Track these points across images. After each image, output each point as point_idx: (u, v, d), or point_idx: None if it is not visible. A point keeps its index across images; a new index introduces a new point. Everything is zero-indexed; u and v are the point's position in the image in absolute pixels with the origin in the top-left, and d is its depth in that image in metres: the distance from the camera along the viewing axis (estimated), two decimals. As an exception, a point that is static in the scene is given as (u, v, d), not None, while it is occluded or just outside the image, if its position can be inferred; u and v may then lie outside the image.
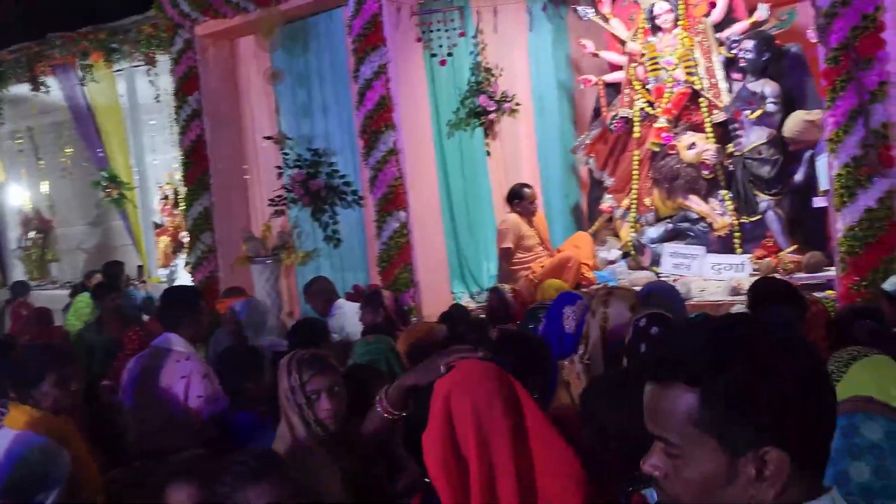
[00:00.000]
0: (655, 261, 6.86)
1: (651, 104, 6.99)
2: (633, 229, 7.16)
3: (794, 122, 6.01)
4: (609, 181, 7.47)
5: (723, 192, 6.70)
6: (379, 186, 6.39)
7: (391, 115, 6.28)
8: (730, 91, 6.68)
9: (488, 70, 7.57)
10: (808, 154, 6.32)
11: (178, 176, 11.01)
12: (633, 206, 7.19)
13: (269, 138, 7.42)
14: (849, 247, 4.45)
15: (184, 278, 9.39)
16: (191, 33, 7.45)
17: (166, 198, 11.62)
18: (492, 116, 7.61)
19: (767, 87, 6.36)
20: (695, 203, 6.79)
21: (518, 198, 6.77)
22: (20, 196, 13.10)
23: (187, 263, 9.21)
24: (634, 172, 7.17)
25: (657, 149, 6.91)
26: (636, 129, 7.10)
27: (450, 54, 6.38)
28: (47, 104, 10.48)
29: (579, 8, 7.27)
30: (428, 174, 6.62)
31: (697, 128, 6.78)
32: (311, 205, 7.22)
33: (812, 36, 6.65)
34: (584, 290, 5.74)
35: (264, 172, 7.82)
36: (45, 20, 9.88)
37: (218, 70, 7.63)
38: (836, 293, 4.84)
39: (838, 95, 4.37)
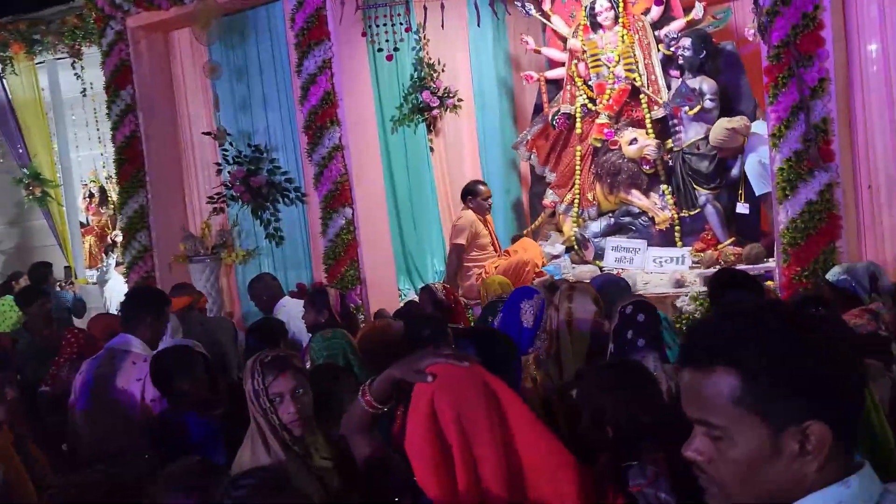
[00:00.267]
0: (599, 255, 6.96)
1: (592, 100, 7.08)
2: (575, 224, 7.25)
3: (718, 131, 6.17)
4: (551, 177, 7.54)
5: (663, 186, 6.85)
6: (324, 183, 6.29)
7: (336, 111, 6.19)
8: (668, 88, 6.83)
9: (430, 66, 7.55)
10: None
11: (105, 173, 10.66)
12: (576, 200, 7.28)
13: (207, 133, 7.21)
14: (791, 238, 4.60)
15: (116, 279, 9.06)
16: (122, 25, 7.17)
17: (91, 196, 11.17)
18: (435, 112, 7.60)
19: (705, 84, 6.53)
20: (636, 197, 6.92)
21: (473, 194, 6.77)
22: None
23: (119, 263, 8.91)
24: (577, 168, 7.26)
25: (599, 144, 7.02)
26: (578, 124, 7.19)
27: (396, 49, 6.32)
28: (-37, 98, 9.93)
29: (521, 5, 7.31)
30: (374, 170, 6.55)
31: (638, 124, 6.91)
32: (252, 202, 7.07)
33: (750, 34, 6.89)
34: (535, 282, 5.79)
35: (202, 169, 7.60)
36: (-40, 9, 9.37)
37: (152, 63, 7.37)
38: (776, 283, 5.01)
39: (780, 92, 4.51)
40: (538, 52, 7.55)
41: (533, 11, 7.31)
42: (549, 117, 7.29)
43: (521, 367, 3.08)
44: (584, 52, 7.04)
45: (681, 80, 6.66)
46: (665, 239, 6.80)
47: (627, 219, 7.03)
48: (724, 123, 6.15)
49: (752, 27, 6.89)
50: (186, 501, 2.00)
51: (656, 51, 6.87)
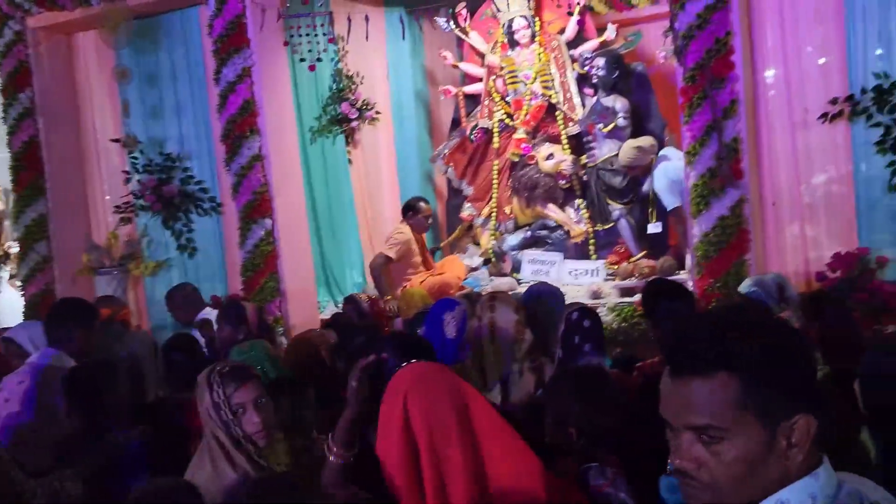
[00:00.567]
0: (516, 267, 7.09)
1: (510, 116, 7.23)
2: (493, 237, 7.37)
3: (626, 151, 6.41)
4: (468, 190, 7.64)
5: (578, 201, 7.05)
6: (243, 193, 6.14)
7: (256, 120, 6.07)
8: (583, 106, 7.05)
9: (349, 78, 7.52)
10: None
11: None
12: (494, 214, 7.39)
13: (116, 140, 6.92)
14: (704, 251, 4.82)
15: (6, 292, 8.55)
16: (22, 25, 6.81)
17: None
18: (354, 124, 7.56)
19: (618, 103, 6.78)
20: (553, 211, 7.10)
21: (414, 210, 6.76)
22: None
23: (13, 276, 8.42)
24: (494, 182, 7.38)
25: (517, 159, 7.16)
26: (496, 139, 7.32)
27: (319, 59, 6.26)
28: None
29: (440, 20, 7.40)
30: (294, 181, 6.45)
31: (554, 140, 7.09)
32: (164, 212, 6.83)
33: (662, 57, 7.20)
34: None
35: (108, 177, 7.28)
36: None
37: (54, 66, 7.00)
38: (689, 294, 5.23)
39: (695, 111, 4.74)
40: (456, 66, 7.66)
41: (452, 27, 7.41)
42: (468, 131, 7.39)
43: None
44: (502, 68, 7.19)
45: (595, 98, 6.89)
46: (580, 252, 6.99)
47: (544, 232, 7.20)
48: (631, 143, 6.40)
49: (663, 50, 7.25)
50: None
51: (571, 69, 7.09)
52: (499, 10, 7.09)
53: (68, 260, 6.96)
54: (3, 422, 3.01)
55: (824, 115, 4.67)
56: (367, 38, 6.35)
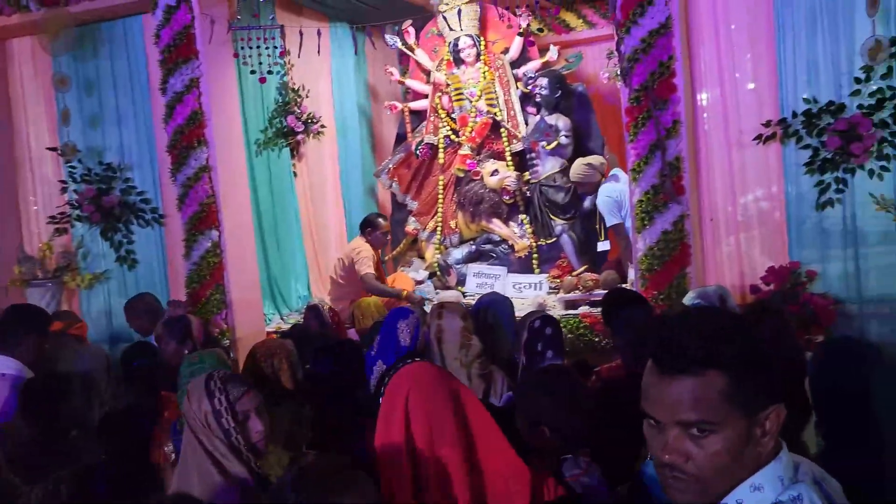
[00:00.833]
0: (461, 281, 7.21)
1: (455, 132, 7.37)
2: (438, 251, 7.47)
3: (577, 168, 6.62)
4: (412, 204, 7.74)
5: (522, 216, 7.24)
6: (189, 204, 6.06)
7: (203, 131, 6.00)
8: (526, 123, 7.25)
9: (295, 91, 7.53)
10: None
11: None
12: (439, 228, 7.51)
13: (53, 149, 6.72)
14: (648, 264, 5.02)
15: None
16: (-46, 28, 6.58)
17: None
18: (299, 137, 7.56)
19: (560, 122, 7.00)
20: (497, 226, 7.25)
21: (373, 227, 6.77)
22: None
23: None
24: (440, 196, 7.50)
25: (462, 174, 7.30)
26: (441, 155, 7.44)
27: (270, 72, 6.25)
28: None
29: (387, 37, 7.50)
30: (241, 192, 6.40)
31: (498, 156, 7.27)
32: (103, 223, 6.67)
33: (605, 78, 7.46)
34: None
35: (41, 186, 7.06)
36: None
37: (-13, 71, 6.80)
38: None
39: (640, 131, 4.95)
40: (402, 83, 7.76)
41: (398, 44, 7.51)
42: (413, 147, 7.49)
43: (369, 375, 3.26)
44: (448, 85, 7.33)
45: (539, 116, 7.09)
46: (523, 266, 7.16)
47: (488, 246, 7.34)
48: (582, 161, 6.60)
49: (606, 71, 7.53)
50: None
51: (515, 88, 7.29)
52: (451, 29, 7.22)
53: (1, 271, 6.71)
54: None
55: (758, 137, 4.93)
56: (318, 52, 6.38)
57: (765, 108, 4.96)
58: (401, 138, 7.86)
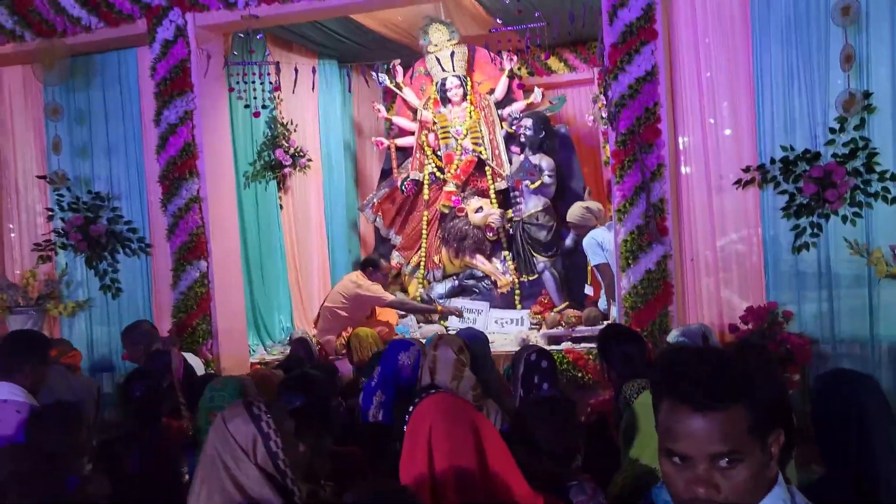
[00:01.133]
0: (443, 315, 7.30)
1: (441, 169, 7.52)
2: (421, 285, 7.57)
3: (576, 210, 6.74)
4: (396, 239, 7.85)
5: (505, 253, 7.38)
6: (178, 234, 6.12)
7: (196, 163, 6.09)
8: (510, 162, 7.43)
9: (284, 125, 7.64)
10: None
11: None
12: (422, 263, 7.62)
13: (42, 177, 6.75)
14: (632, 302, 5.18)
15: None
16: (-53, 56, 6.63)
17: None
18: (286, 171, 7.66)
19: (544, 162, 7.19)
20: (480, 262, 7.38)
21: (375, 267, 6.87)
22: None
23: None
24: (424, 231, 7.62)
25: (447, 210, 7.44)
26: (426, 191, 7.58)
27: (264, 106, 6.37)
28: None
29: (375, 74, 7.68)
30: (230, 224, 6.47)
31: (482, 194, 7.42)
32: (89, 251, 6.68)
33: (590, 120, 7.67)
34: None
35: (24, 213, 7.07)
36: None
37: (-24, 99, 6.83)
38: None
39: (626, 173, 5.13)
40: (389, 119, 7.92)
41: (387, 82, 7.69)
42: (399, 182, 7.62)
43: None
44: (435, 123, 7.50)
45: (523, 156, 7.28)
46: (506, 301, 7.29)
47: (471, 282, 7.46)
48: (581, 204, 6.76)
49: (591, 114, 7.77)
50: None
51: (500, 128, 7.48)
52: (443, 70, 7.39)
53: (-19, 298, 6.67)
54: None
55: (738, 182, 5.15)
56: (312, 88, 6.51)
57: (744, 154, 5.18)
58: (386, 174, 7.99)
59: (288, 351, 6.10)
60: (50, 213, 6.81)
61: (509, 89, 7.58)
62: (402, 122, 7.85)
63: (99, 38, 6.43)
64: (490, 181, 7.41)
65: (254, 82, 6.18)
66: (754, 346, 3.70)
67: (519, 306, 7.22)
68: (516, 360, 3.48)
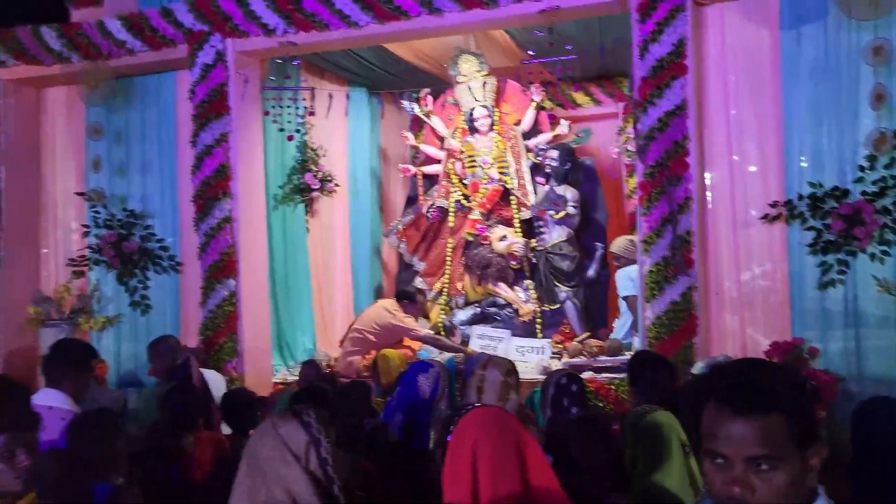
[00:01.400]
0: (464, 341, 7.34)
1: (466, 197, 7.61)
2: (443, 311, 7.63)
3: (621, 242, 6.86)
4: (419, 265, 7.93)
5: (527, 281, 7.43)
6: (210, 253, 6.24)
7: (229, 184, 6.24)
8: (535, 192, 7.52)
9: (314, 150, 7.78)
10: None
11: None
12: (445, 289, 7.68)
13: (80, 194, 6.92)
14: (657, 333, 5.21)
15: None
16: (-5, 75, 6.87)
17: None
18: (314, 195, 7.78)
19: (569, 192, 7.27)
20: (503, 290, 7.44)
21: (411, 299, 6.98)
22: None
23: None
24: (448, 258, 7.70)
25: (471, 238, 7.52)
26: (451, 218, 7.67)
27: (298, 131, 6.52)
28: None
29: (405, 103, 7.83)
30: (259, 245, 6.59)
31: (507, 222, 7.50)
32: (121, 267, 6.82)
33: (615, 153, 7.76)
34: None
35: (61, 229, 7.23)
36: None
37: (21, 117, 7.03)
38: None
39: (653, 205, 5.20)
40: (417, 147, 8.04)
41: (416, 110, 7.83)
42: (425, 209, 7.72)
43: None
44: (462, 152, 7.61)
45: (549, 186, 7.37)
46: (527, 330, 7.32)
47: (493, 309, 7.51)
48: (626, 237, 6.86)
49: (617, 146, 7.85)
50: None
51: (526, 158, 7.58)
52: (475, 99, 7.50)
53: (16, 311, 6.83)
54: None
55: (765, 216, 5.20)
56: (346, 114, 6.64)
57: (771, 189, 5.23)
58: (411, 200, 8.10)
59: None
60: (86, 229, 6.96)
61: (536, 121, 7.69)
62: (429, 149, 7.96)
63: (141, 62, 6.63)
64: (515, 210, 7.49)
65: (289, 107, 6.32)
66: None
67: (540, 335, 7.25)
68: (546, 383, 3.54)
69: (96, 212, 6.85)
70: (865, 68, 4.84)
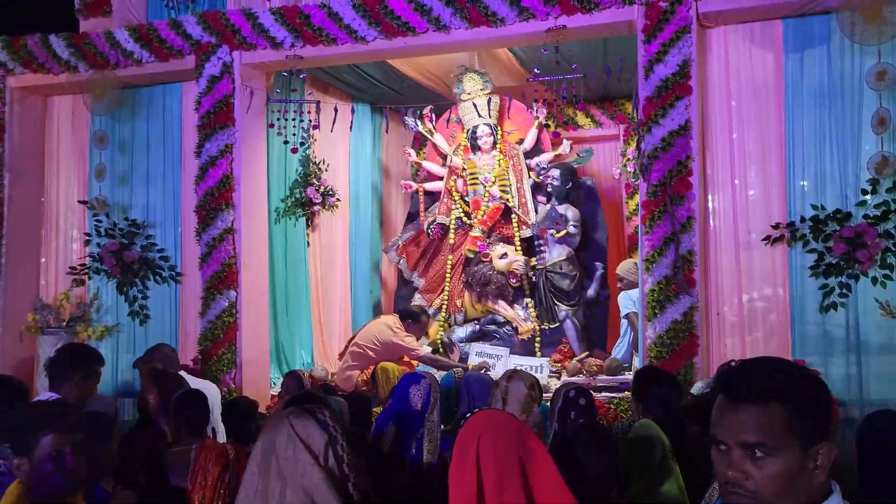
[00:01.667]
0: (463, 358, 7.32)
1: (468, 214, 7.63)
2: (442, 328, 7.62)
3: (628, 265, 6.89)
4: (419, 282, 7.92)
5: (527, 299, 7.43)
6: (211, 264, 6.23)
7: (232, 195, 6.25)
8: (535, 211, 7.54)
9: (316, 164, 7.80)
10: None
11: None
12: (444, 306, 7.67)
13: (83, 202, 6.92)
14: (657, 352, 5.21)
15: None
16: (3, 83, 6.88)
17: None
18: (315, 208, 7.79)
19: (570, 212, 7.30)
20: (502, 308, 7.43)
21: (414, 319, 6.93)
22: None
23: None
24: (447, 275, 7.69)
25: (472, 255, 7.52)
26: (451, 235, 7.68)
27: (302, 143, 6.54)
28: None
29: (407, 119, 7.86)
30: (260, 257, 6.59)
31: (508, 240, 7.51)
32: (121, 276, 6.80)
33: (616, 173, 7.79)
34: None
35: (62, 237, 7.22)
36: None
37: (27, 125, 7.05)
38: (636, 393, 5.58)
39: (655, 223, 5.22)
40: (419, 164, 8.07)
41: (419, 127, 7.87)
42: (426, 226, 7.73)
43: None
44: (464, 169, 7.63)
45: (550, 205, 7.39)
46: (526, 348, 7.31)
47: (492, 327, 7.50)
48: (632, 260, 6.89)
49: (618, 167, 7.89)
50: None
51: (527, 177, 7.61)
52: (479, 115, 7.55)
53: (15, 318, 6.80)
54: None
55: (767, 238, 5.22)
56: (350, 128, 6.67)
57: (773, 211, 5.26)
58: (411, 217, 8.11)
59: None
60: (87, 237, 6.95)
61: (538, 139, 7.74)
62: (431, 166, 7.99)
63: (148, 72, 6.66)
64: (516, 228, 7.51)
65: (293, 119, 6.35)
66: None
67: (539, 353, 7.24)
68: (555, 395, 3.56)
69: (98, 220, 6.85)
70: (868, 92, 4.89)
